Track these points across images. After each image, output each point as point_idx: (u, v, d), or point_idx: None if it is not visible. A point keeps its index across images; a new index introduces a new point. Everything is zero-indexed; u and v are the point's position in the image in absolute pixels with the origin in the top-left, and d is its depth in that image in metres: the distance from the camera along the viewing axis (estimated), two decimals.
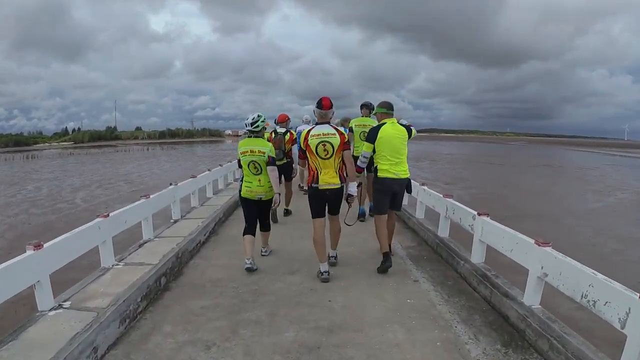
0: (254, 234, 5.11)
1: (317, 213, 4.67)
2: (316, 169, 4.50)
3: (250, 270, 4.90)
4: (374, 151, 4.92)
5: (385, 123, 4.93)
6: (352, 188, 4.61)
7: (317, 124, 4.59)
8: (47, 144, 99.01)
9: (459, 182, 20.27)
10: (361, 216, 7.30)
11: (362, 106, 7.16)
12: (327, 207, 4.73)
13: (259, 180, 4.97)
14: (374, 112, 5.25)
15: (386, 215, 5.04)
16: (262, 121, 5.06)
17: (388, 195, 4.97)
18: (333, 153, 4.42)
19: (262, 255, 5.53)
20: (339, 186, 4.50)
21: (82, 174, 25.88)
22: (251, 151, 4.90)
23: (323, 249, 4.69)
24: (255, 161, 4.90)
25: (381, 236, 4.97)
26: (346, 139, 4.50)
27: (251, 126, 4.98)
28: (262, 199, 5.06)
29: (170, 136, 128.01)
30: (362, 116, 7.13)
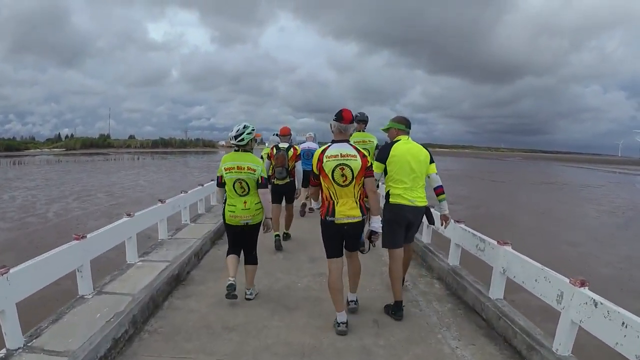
0: (238, 255, 4.51)
1: (333, 252, 3.86)
2: (331, 198, 3.70)
3: (231, 292, 4.20)
4: (385, 173, 4.21)
5: (399, 140, 4.26)
6: (376, 224, 3.76)
7: (333, 141, 3.76)
8: (38, 150, 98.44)
9: (463, 201, 19.01)
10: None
11: (358, 121, 6.34)
12: (345, 243, 3.92)
13: (245, 203, 4.26)
14: (386, 126, 4.45)
15: (402, 249, 4.28)
16: (249, 133, 4.29)
17: (402, 226, 4.21)
18: (352, 179, 3.63)
19: (246, 298, 4.50)
20: (359, 219, 3.71)
21: (63, 184, 24.55)
22: (238, 167, 4.20)
23: (340, 295, 3.83)
24: (242, 180, 4.20)
25: (396, 279, 4.21)
26: (369, 163, 3.71)
27: (235, 140, 4.26)
28: (249, 224, 4.34)
29: (163, 145, 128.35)
30: (358, 131, 6.47)
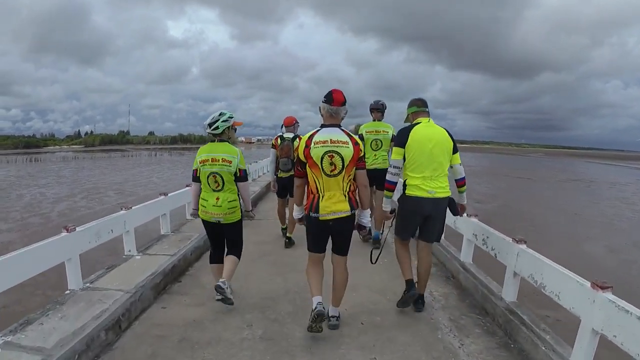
0: (222, 262, 4.05)
1: (315, 246, 3.50)
2: (317, 191, 3.30)
3: (224, 298, 3.73)
4: (404, 159, 3.75)
5: (420, 123, 3.77)
6: (365, 218, 3.46)
7: (322, 126, 3.35)
8: (57, 147, 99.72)
9: (490, 200, 18.01)
10: (376, 242, 5.83)
11: (373, 109, 5.96)
12: (332, 243, 3.49)
13: (217, 199, 3.87)
14: (405, 117, 4.05)
15: (409, 241, 3.97)
16: (225, 120, 3.87)
17: (417, 219, 3.82)
18: (342, 169, 3.23)
19: (217, 285, 3.74)
20: (348, 214, 3.29)
21: (75, 181, 24.32)
22: (212, 160, 3.83)
23: (319, 282, 3.48)
24: (216, 173, 3.84)
25: (403, 261, 3.96)
26: (362, 153, 3.33)
27: (209, 128, 3.85)
28: (221, 223, 3.94)
29: (182, 142, 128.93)
30: (374, 120, 5.97)
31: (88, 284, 4.15)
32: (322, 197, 3.29)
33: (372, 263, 3.97)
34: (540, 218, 14.62)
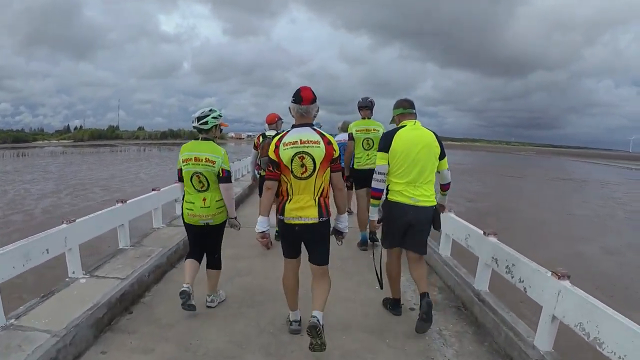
0: (199, 260, 3.84)
1: (287, 252, 3.34)
2: (287, 194, 3.13)
3: (186, 300, 3.52)
4: (388, 164, 3.60)
5: (405, 126, 3.62)
6: (343, 223, 3.28)
7: (293, 126, 3.19)
8: (46, 142, 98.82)
9: (483, 199, 17.88)
10: (363, 244, 5.88)
11: (361, 107, 5.75)
12: (307, 252, 3.27)
13: (204, 200, 3.68)
14: (391, 118, 3.91)
15: (398, 249, 3.76)
16: (215, 117, 3.69)
17: (399, 226, 3.59)
18: (314, 170, 3.04)
19: (207, 306, 3.90)
20: (315, 221, 3.07)
21: (61, 177, 23.92)
22: (195, 159, 3.63)
23: (294, 295, 3.43)
24: (200, 173, 3.64)
25: (391, 277, 3.87)
26: (336, 154, 3.12)
27: (197, 122, 3.65)
28: (210, 225, 3.76)
29: (172, 137, 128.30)
30: (362, 118, 5.76)
31: (13, 320, 3.23)
32: (290, 200, 3.12)
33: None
34: (533, 218, 14.52)
